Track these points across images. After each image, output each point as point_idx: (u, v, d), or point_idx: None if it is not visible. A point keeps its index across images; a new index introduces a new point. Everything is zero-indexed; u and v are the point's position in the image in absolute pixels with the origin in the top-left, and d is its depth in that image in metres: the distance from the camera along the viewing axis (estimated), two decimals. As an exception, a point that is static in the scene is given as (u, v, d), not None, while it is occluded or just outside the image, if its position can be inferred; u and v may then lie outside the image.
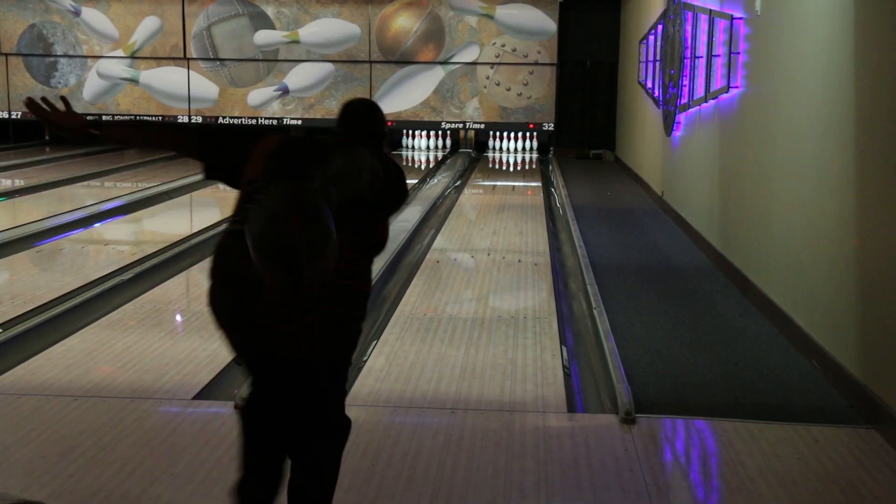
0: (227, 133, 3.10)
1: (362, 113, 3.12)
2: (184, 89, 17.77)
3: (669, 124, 10.70)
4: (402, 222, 9.66)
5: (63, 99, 3.14)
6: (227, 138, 3.06)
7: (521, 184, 13.99)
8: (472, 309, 6.39)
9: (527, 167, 16.29)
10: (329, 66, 17.55)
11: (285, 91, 17.65)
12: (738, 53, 7.38)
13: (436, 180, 13.73)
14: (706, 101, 8.55)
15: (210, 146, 3.03)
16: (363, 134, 3.07)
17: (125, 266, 7.33)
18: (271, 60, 17.65)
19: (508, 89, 17.58)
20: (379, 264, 7.48)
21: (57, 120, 2.98)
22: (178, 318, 6.09)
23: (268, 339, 2.75)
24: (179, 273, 7.36)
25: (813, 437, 4.18)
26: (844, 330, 4.80)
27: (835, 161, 5.01)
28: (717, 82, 8.08)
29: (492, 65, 17.52)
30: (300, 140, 2.98)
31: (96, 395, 4.52)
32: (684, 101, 9.73)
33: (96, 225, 9.50)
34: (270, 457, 2.92)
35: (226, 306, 2.87)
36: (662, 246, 8.84)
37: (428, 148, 18.13)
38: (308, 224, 2.62)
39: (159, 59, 17.79)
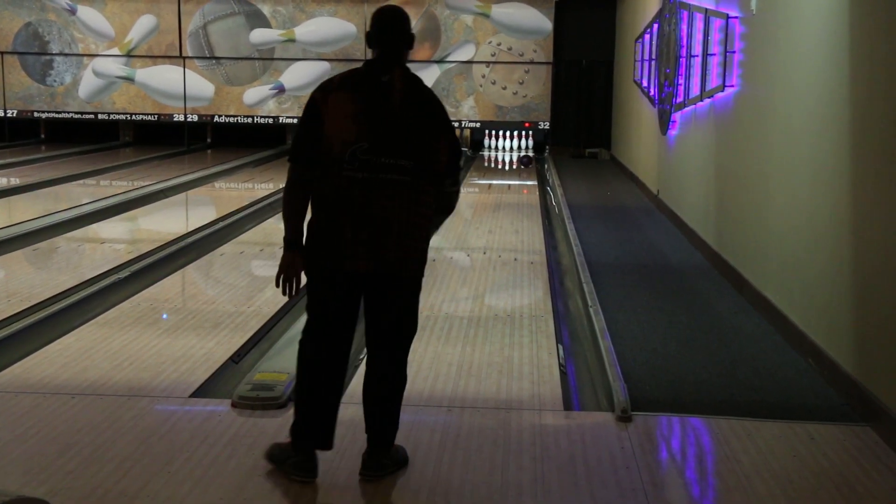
0: (305, 133, 3.49)
1: (398, 21, 3.54)
2: (180, 88, 17.75)
3: (665, 123, 10.71)
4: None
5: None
6: (310, 139, 3.46)
7: (517, 182, 14.00)
8: (469, 307, 6.40)
9: (523, 166, 16.29)
10: (325, 65, 17.55)
11: (281, 90, 17.65)
12: (734, 52, 7.39)
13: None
14: (702, 100, 8.57)
15: (313, 156, 3.46)
16: (402, 41, 3.52)
17: (121, 264, 7.33)
18: (267, 59, 17.64)
19: (504, 88, 17.59)
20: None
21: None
22: (175, 316, 6.09)
23: (387, 258, 3.45)
24: (175, 272, 7.36)
25: (809, 434, 4.19)
26: (840, 328, 4.82)
27: (830, 159, 5.03)
28: (713, 81, 8.09)
29: (488, 63, 17.53)
30: (378, 101, 3.45)
31: (93, 393, 4.52)
32: (680, 99, 9.74)
33: (92, 224, 9.49)
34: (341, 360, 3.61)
35: (355, 232, 3.42)
36: (658, 244, 8.86)
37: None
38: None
39: (155, 58, 17.78)
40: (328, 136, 3.42)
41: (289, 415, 4.26)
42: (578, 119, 17.75)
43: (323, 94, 3.46)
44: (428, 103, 3.55)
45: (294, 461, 3.58)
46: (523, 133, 17.86)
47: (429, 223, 3.57)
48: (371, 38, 3.53)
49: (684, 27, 9.51)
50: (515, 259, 8.04)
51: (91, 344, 5.36)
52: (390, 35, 3.51)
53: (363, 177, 3.41)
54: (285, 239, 3.53)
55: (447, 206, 3.67)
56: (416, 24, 17.43)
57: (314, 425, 3.60)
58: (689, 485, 3.73)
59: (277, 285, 3.55)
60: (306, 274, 3.56)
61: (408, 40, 3.54)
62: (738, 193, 7.12)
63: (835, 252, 4.92)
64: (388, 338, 3.63)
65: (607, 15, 17.28)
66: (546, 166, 15.67)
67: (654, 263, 8.04)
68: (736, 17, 7.38)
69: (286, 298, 6.33)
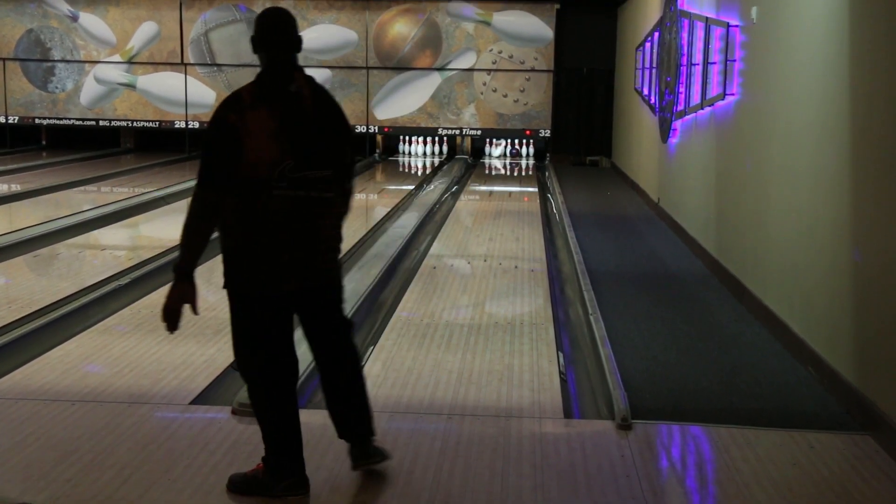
0: (220, 158, 3.31)
1: (287, 23, 3.42)
2: (181, 95, 17.78)
3: (666, 131, 10.72)
4: (399, 228, 9.67)
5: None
6: (225, 162, 3.30)
7: (518, 190, 14.01)
8: (469, 315, 6.40)
9: (523, 173, 16.31)
10: (326, 73, 17.56)
11: (282, 97, 17.65)
12: (734, 61, 7.40)
13: (432, 186, 13.75)
14: (702, 109, 8.58)
15: (229, 180, 3.30)
16: (295, 44, 3.42)
17: (122, 271, 7.34)
18: (268, 66, 17.64)
19: (505, 96, 17.60)
20: (375, 270, 7.50)
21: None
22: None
23: (319, 273, 3.48)
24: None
25: (808, 443, 4.19)
26: (840, 336, 4.82)
27: (830, 167, 5.03)
28: (714, 89, 8.10)
29: (488, 71, 17.56)
30: (295, 113, 3.37)
31: (94, 400, 4.52)
32: (680, 108, 9.75)
33: (93, 230, 9.49)
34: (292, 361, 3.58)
35: (292, 253, 3.39)
36: (658, 252, 8.86)
37: (424, 154, 18.15)
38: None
39: (156, 65, 17.81)
40: (251, 157, 3.28)
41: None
42: (579, 127, 17.76)
43: (238, 115, 3.28)
44: (333, 107, 3.54)
45: (288, 483, 3.52)
46: (524, 141, 17.86)
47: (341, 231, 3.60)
48: (259, 43, 3.40)
49: (685, 35, 9.53)
50: (516, 267, 8.04)
51: (91, 350, 5.36)
52: (283, 37, 3.40)
53: (295, 195, 3.35)
54: (181, 269, 3.37)
55: (348, 205, 3.66)
56: (417, 31, 17.46)
57: (298, 446, 3.57)
58: (689, 493, 3.73)
59: (165, 319, 3.39)
60: (239, 302, 3.46)
61: (298, 43, 3.44)
62: (739, 201, 7.13)
63: (835, 260, 4.93)
64: (337, 334, 3.65)
65: (608, 23, 17.30)
66: (547, 174, 15.67)
67: (655, 271, 8.05)
68: (736, 26, 7.39)
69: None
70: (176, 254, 3.47)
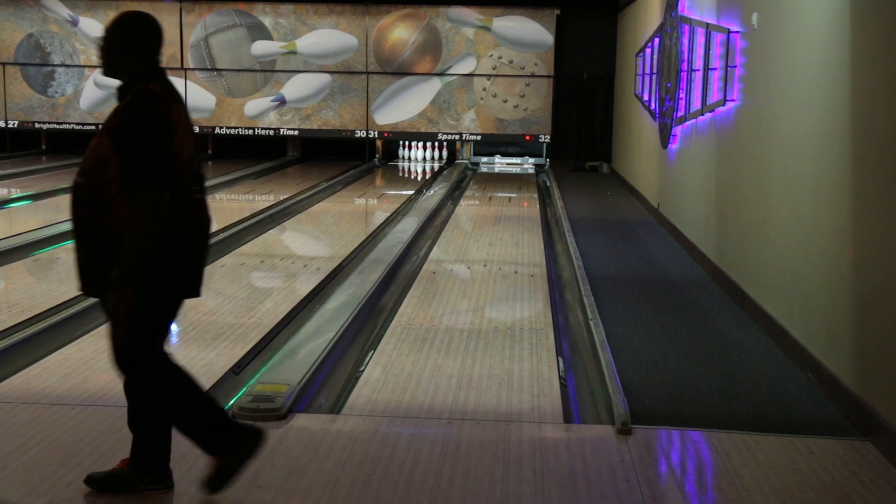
0: (163, 153, 3.23)
1: (161, 30, 3.41)
2: (181, 99, 17.77)
3: (666, 137, 10.73)
4: (399, 233, 9.68)
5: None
6: (165, 158, 3.23)
7: (518, 195, 14.01)
8: (469, 320, 6.41)
9: (523, 179, 16.31)
10: (326, 77, 17.58)
11: (282, 101, 17.68)
12: (735, 67, 7.41)
13: (432, 191, 13.76)
14: (702, 114, 8.59)
15: (169, 175, 3.25)
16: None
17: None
18: (268, 71, 17.68)
19: (505, 101, 17.62)
20: (375, 274, 7.51)
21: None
22: (176, 327, 6.09)
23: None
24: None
25: (808, 448, 4.20)
26: (840, 342, 4.82)
27: (830, 173, 5.04)
28: (714, 95, 8.11)
29: (489, 76, 17.57)
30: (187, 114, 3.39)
31: (94, 404, 4.52)
32: (681, 113, 9.77)
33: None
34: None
35: (202, 257, 3.44)
36: (658, 258, 8.87)
37: (424, 159, 18.17)
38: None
39: (157, 69, 17.80)
40: (179, 155, 3.25)
41: (289, 426, 4.27)
42: (579, 132, 17.76)
43: (167, 109, 3.24)
44: None
45: (249, 443, 3.53)
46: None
47: None
48: (141, 48, 3.34)
49: (685, 41, 9.54)
50: (516, 272, 8.04)
51: (92, 354, 5.36)
52: (159, 42, 3.40)
53: (201, 198, 3.39)
54: (138, 275, 3.21)
55: None
56: (417, 36, 17.48)
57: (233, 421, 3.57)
58: (688, 498, 3.73)
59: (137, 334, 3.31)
60: (151, 303, 3.31)
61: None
62: (739, 207, 7.14)
63: (835, 266, 4.93)
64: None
65: (608, 29, 17.31)
66: (547, 179, 15.69)
67: (655, 277, 8.05)
68: (737, 32, 7.40)
69: (287, 309, 6.38)
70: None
